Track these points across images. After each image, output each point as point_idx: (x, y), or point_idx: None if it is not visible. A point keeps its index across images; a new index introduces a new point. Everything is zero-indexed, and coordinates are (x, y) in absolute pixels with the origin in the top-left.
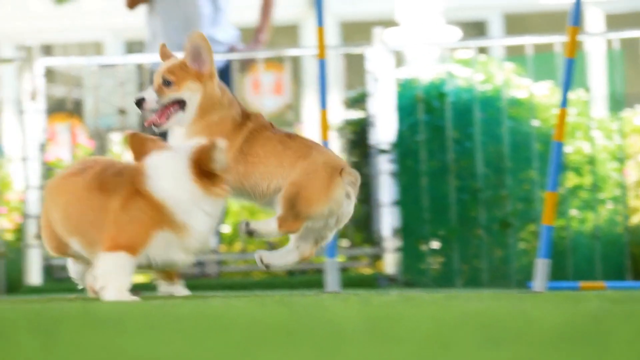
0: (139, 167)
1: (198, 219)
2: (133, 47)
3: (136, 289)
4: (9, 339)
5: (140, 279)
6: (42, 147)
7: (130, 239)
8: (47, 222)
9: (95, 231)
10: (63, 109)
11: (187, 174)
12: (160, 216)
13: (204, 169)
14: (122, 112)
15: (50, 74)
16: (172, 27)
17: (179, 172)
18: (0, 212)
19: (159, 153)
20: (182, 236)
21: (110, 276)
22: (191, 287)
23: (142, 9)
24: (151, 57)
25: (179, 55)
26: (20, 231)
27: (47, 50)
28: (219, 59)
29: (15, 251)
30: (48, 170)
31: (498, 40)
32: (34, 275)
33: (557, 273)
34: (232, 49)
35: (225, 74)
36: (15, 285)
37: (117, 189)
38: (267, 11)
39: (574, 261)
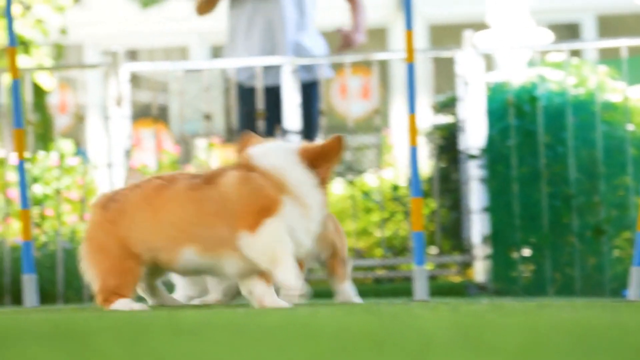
0: (243, 155)
1: (315, 200)
2: (219, 51)
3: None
4: (94, 348)
5: None
6: (127, 153)
7: (265, 203)
8: (110, 244)
9: (220, 224)
10: (148, 114)
11: (298, 161)
12: (281, 185)
13: (314, 162)
14: (207, 117)
15: (136, 80)
16: (255, 31)
17: (290, 157)
18: (85, 219)
19: (264, 145)
20: (304, 213)
21: (276, 251)
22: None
23: (224, 12)
24: (234, 62)
25: (258, 61)
26: None
27: (133, 55)
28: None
29: None
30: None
31: (591, 43)
32: None
33: None
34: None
35: (311, 88)
36: None
37: (225, 176)
38: (358, 11)
39: None
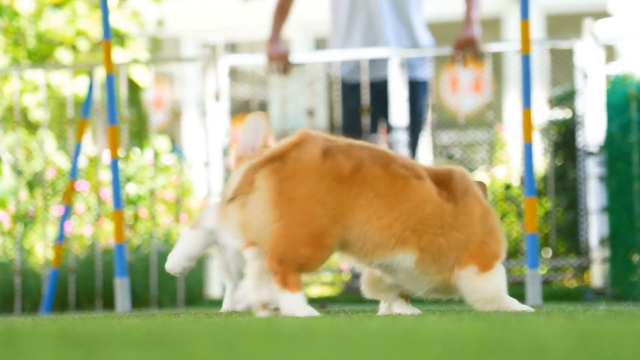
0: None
1: None
2: (323, 44)
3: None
4: (189, 355)
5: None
6: (225, 151)
7: (499, 248)
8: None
9: (447, 244)
10: (248, 110)
11: None
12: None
13: None
14: (310, 113)
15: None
16: (357, 24)
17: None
18: (180, 220)
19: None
20: None
21: (500, 297)
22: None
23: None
24: (338, 55)
25: (361, 52)
26: None
27: (232, 48)
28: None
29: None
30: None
31: None
32: (215, 287)
33: None
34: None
35: (417, 83)
36: (195, 297)
37: (468, 196)
38: (472, 3)
39: None
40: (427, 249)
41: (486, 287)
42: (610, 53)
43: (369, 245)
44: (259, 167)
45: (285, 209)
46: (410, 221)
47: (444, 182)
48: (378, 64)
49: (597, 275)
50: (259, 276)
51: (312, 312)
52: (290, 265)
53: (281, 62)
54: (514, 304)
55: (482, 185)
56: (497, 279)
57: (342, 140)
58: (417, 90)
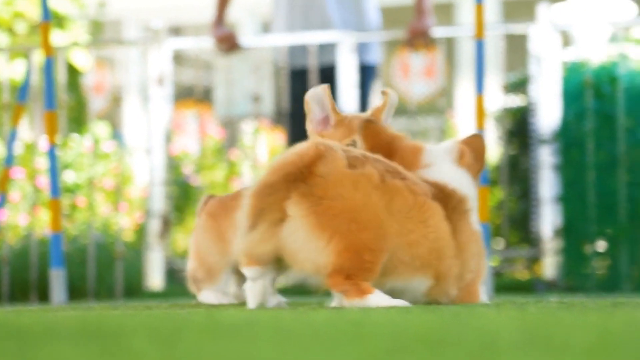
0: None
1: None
2: (270, 27)
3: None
4: (127, 348)
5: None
6: (168, 138)
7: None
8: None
9: (456, 267)
10: (191, 95)
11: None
12: None
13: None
14: (256, 99)
15: (179, 58)
16: (296, 5)
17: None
18: (120, 210)
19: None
20: None
21: None
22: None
23: None
24: (286, 39)
25: (310, 36)
26: (141, 231)
27: (176, 31)
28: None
29: (135, 252)
30: (173, 163)
31: None
32: (155, 279)
33: None
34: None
35: (364, 68)
36: (134, 289)
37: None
38: None
39: None
40: (442, 277)
41: None
42: (566, 38)
43: (394, 261)
44: (276, 189)
45: (333, 227)
46: (434, 242)
47: (443, 199)
48: (326, 48)
49: (550, 266)
50: (263, 297)
51: (404, 302)
52: (358, 276)
53: (228, 42)
54: None
55: (478, 139)
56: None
57: (356, 150)
58: (365, 74)
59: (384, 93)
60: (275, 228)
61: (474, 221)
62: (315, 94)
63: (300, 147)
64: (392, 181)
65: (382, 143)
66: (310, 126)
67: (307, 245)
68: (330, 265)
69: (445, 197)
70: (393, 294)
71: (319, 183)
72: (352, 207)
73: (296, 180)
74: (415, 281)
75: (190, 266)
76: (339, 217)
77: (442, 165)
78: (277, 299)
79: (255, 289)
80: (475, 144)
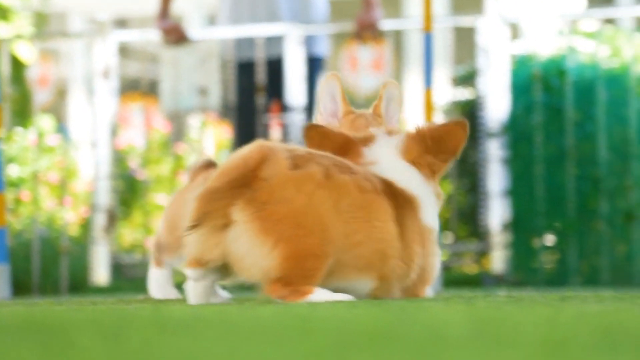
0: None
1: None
2: (217, 19)
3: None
4: (72, 344)
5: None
6: (113, 131)
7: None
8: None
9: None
10: (137, 88)
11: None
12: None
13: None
14: (202, 92)
15: (124, 50)
16: None
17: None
18: (65, 204)
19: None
20: None
21: None
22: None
23: None
24: (233, 32)
25: (257, 29)
26: (86, 225)
27: (121, 23)
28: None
29: (80, 247)
30: (119, 157)
31: (627, 10)
32: (101, 274)
33: None
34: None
35: (313, 61)
36: (79, 284)
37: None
38: None
39: None
40: (385, 278)
41: None
42: (515, 31)
43: (338, 263)
44: (221, 194)
45: (277, 232)
46: (379, 243)
47: (392, 196)
48: (273, 40)
49: (498, 260)
50: (204, 297)
51: (346, 296)
52: (299, 283)
53: (175, 34)
54: None
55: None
56: None
57: (301, 148)
58: (313, 67)
59: (383, 86)
60: (219, 233)
61: (427, 218)
62: (328, 84)
63: (245, 150)
64: (340, 177)
65: (331, 145)
66: (320, 118)
67: (252, 251)
68: (272, 272)
69: (394, 194)
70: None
71: (262, 187)
72: (296, 211)
73: (241, 185)
74: (359, 282)
75: (159, 230)
76: (283, 222)
77: (387, 162)
78: (219, 298)
79: (197, 290)
80: (442, 132)
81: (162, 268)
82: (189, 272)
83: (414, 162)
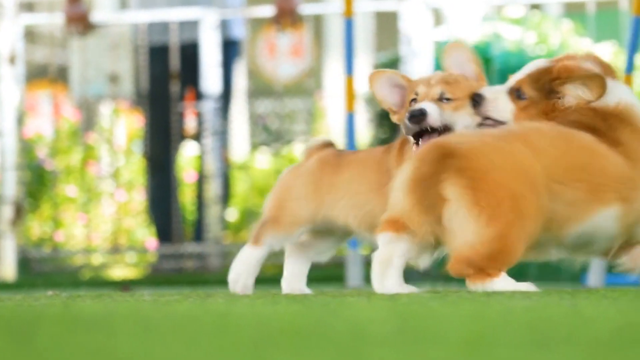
0: None
1: None
2: (129, 3)
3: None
4: None
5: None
6: (20, 120)
7: None
8: None
9: None
10: (45, 75)
11: None
12: None
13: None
14: (113, 79)
15: (31, 35)
16: None
17: None
18: None
19: None
20: None
21: None
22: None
23: None
24: (145, 16)
25: (171, 13)
26: None
27: (28, 6)
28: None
29: None
30: (26, 146)
31: None
32: (7, 269)
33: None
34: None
35: (228, 46)
36: None
37: None
38: None
39: None
40: (629, 200)
41: None
42: (438, 17)
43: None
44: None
45: (491, 207)
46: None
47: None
48: (187, 25)
49: None
50: (386, 264)
51: (530, 286)
52: (488, 266)
53: (80, 23)
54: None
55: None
56: None
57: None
58: (228, 51)
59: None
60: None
61: None
62: (387, 77)
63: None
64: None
65: None
66: (393, 117)
67: (466, 225)
68: (481, 247)
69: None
70: (581, 244)
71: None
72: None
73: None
74: (601, 215)
75: (267, 205)
76: (498, 197)
77: None
78: (405, 287)
79: (382, 257)
80: None
81: (258, 247)
82: (380, 237)
83: None
